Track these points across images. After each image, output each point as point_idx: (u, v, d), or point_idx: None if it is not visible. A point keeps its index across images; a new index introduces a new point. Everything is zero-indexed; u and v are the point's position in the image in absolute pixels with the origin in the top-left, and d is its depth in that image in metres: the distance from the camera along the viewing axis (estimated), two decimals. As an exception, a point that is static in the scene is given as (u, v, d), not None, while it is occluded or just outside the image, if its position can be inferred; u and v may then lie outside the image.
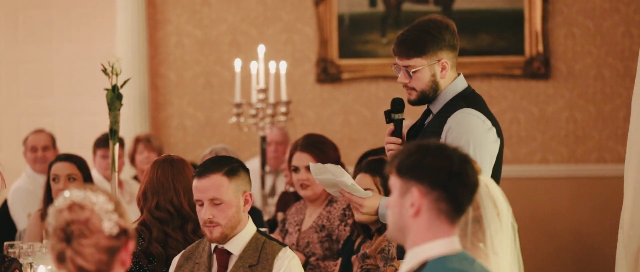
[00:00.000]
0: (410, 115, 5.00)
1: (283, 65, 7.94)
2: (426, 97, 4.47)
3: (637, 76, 4.85)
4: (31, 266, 5.00)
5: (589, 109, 9.02)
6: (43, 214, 6.07)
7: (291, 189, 6.67)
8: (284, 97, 7.89)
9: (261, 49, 7.90)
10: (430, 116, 4.55)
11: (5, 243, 5.30)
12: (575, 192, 9.01)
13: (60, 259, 2.90)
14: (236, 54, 8.91)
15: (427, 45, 4.42)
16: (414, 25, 4.49)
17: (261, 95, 7.81)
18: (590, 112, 9.02)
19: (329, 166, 4.40)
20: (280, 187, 7.95)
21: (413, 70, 4.42)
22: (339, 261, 5.50)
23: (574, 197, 9.01)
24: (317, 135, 6.04)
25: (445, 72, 4.44)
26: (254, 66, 7.80)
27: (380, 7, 9.09)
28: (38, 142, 7.94)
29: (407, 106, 4.56)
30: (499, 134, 4.45)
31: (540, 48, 8.96)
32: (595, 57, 9.00)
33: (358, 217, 5.03)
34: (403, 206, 2.98)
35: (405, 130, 4.60)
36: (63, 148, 7.97)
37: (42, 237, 5.64)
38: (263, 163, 7.88)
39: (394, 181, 3.01)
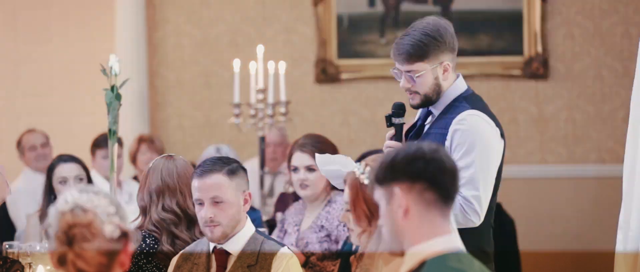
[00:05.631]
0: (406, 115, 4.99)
1: (282, 66, 7.93)
2: (429, 100, 4.45)
3: (636, 76, 4.85)
4: (30, 266, 4.99)
5: (588, 109, 9.02)
6: (42, 215, 6.06)
7: (290, 190, 6.65)
8: (283, 97, 7.88)
9: (260, 49, 7.89)
10: (431, 117, 4.53)
11: (5, 243, 5.29)
12: (574, 193, 9.01)
13: (61, 261, 2.90)
14: (235, 54, 8.90)
15: (429, 49, 4.38)
16: (413, 29, 4.43)
17: (260, 96, 7.81)
18: (589, 112, 9.02)
19: (337, 156, 4.37)
20: (279, 187, 7.94)
21: (416, 75, 4.39)
22: (338, 261, 5.50)
23: (573, 198, 9.01)
24: (317, 135, 6.04)
25: (447, 74, 4.42)
26: (252, 66, 7.79)
27: (379, 7, 9.09)
28: (36, 140, 7.98)
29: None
30: (502, 135, 4.45)
31: (539, 48, 8.96)
32: (594, 58, 9.00)
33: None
34: (392, 211, 2.99)
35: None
36: (61, 148, 7.94)
37: (41, 238, 5.63)
38: (262, 163, 7.87)
39: (378, 194, 3.02)
